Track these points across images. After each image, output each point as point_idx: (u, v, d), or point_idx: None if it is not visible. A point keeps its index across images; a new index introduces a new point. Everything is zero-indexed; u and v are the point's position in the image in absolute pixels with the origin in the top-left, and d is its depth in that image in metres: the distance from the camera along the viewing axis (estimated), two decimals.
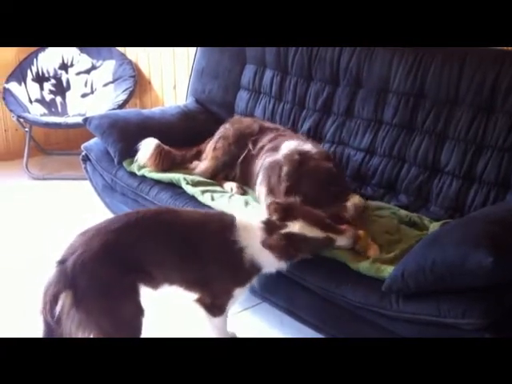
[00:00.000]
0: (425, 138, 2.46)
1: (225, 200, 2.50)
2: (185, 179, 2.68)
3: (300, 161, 2.31)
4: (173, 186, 2.71)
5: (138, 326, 1.88)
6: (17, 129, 4.31)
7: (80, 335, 1.79)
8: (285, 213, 1.97)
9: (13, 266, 2.88)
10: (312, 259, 2.02)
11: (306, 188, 2.23)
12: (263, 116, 3.09)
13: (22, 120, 4.05)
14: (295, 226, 1.93)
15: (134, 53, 4.37)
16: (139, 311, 1.88)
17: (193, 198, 2.58)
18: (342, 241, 2.01)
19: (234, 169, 2.77)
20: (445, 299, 1.72)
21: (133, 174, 2.86)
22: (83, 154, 3.17)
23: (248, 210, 2.40)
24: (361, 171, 2.67)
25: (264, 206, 2.24)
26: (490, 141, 2.27)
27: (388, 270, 1.89)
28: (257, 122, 2.82)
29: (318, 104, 2.87)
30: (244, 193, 2.65)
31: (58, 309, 1.74)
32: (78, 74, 4.41)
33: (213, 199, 2.51)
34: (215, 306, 2.05)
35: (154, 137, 2.87)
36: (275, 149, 2.50)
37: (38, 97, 4.32)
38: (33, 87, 4.31)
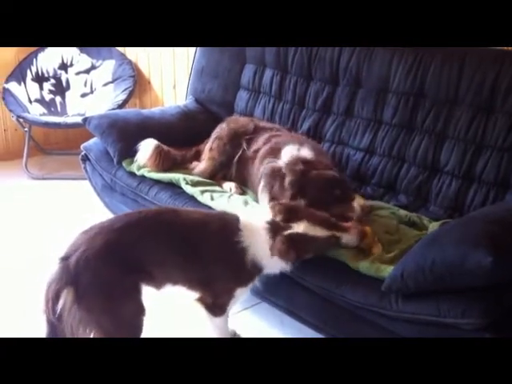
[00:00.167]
0: (424, 138, 2.46)
1: (224, 200, 2.50)
2: (184, 179, 2.68)
3: (303, 171, 2.28)
4: (172, 186, 2.71)
5: (138, 326, 1.88)
6: (16, 129, 4.31)
7: (81, 333, 1.79)
8: (289, 214, 1.96)
9: (13, 265, 2.88)
10: (312, 259, 2.01)
11: (311, 194, 2.21)
12: (263, 116, 3.09)
13: (21, 120, 4.04)
14: (300, 227, 1.93)
15: (133, 53, 4.37)
16: (140, 310, 1.88)
17: (192, 198, 2.58)
18: (347, 238, 2.00)
19: (231, 168, 2.77)
20: (444, 299, 1.72)
21: (132, 174, 2.86)
22: (83, 153, 3.16)
23: (248, 210, 2.39)
24: (360, 171, 2.67)
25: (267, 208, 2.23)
26: (490, 141, 2.27)
27: (388, 270, 1.89)
28: (253, 122, 2.82)
29: (318, 104, 2.87)
30: (243, 192, 2.66)
31: (59, 305, 1.75)
32: (78, 73, 4.41)
33: (212, 199, 2.51)
34: (216, 306, 2.04)
35: (154, 137, 2.87)
36: (274, 153, 2.48)
37: (38, 97, 4.32)
38: (32, 87, 4.30)
